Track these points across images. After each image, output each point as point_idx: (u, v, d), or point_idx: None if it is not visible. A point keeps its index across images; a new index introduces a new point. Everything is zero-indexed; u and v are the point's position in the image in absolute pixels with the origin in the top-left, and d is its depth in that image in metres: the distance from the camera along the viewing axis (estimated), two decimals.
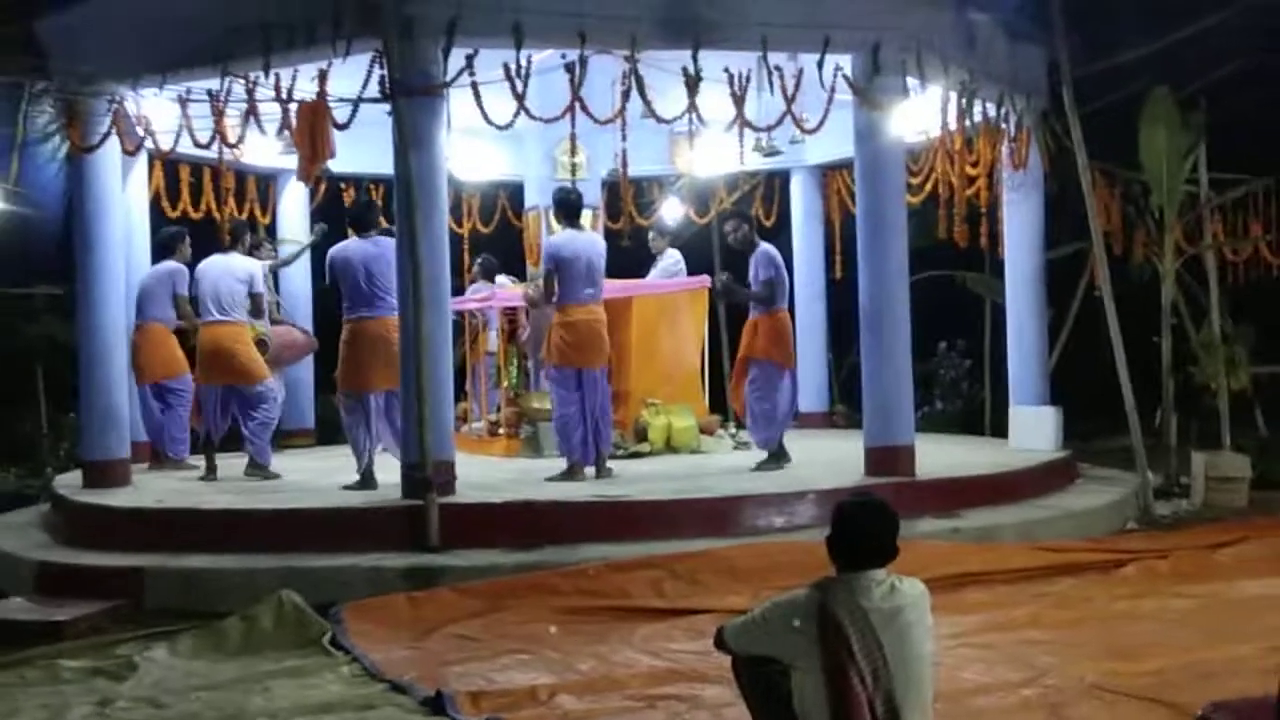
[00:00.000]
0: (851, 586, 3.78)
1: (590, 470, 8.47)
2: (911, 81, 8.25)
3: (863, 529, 3.93)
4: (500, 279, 11.29)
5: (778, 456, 8.80)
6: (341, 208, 11.57)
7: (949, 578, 6.62)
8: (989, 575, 6.92)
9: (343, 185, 11.61)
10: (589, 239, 8.78)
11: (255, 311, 9.43)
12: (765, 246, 8.83)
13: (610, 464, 8.63)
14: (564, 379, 8.50)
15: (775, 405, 8.79)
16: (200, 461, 9.35)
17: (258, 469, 9.08)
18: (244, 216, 10.91)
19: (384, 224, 9.00)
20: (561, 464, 8.53)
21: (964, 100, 8.74)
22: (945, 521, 7.74)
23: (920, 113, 8.63)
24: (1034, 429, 9.87)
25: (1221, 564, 7.44)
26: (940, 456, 8.99)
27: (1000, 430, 10.95)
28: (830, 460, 9.06)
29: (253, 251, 9.90)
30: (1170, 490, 9.84)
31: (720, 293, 9.29)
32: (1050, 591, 6.76)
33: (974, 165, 9.33)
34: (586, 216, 10.56)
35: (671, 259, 10.93)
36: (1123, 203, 10.80)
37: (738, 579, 6.75)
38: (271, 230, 11.90)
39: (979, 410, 12.84)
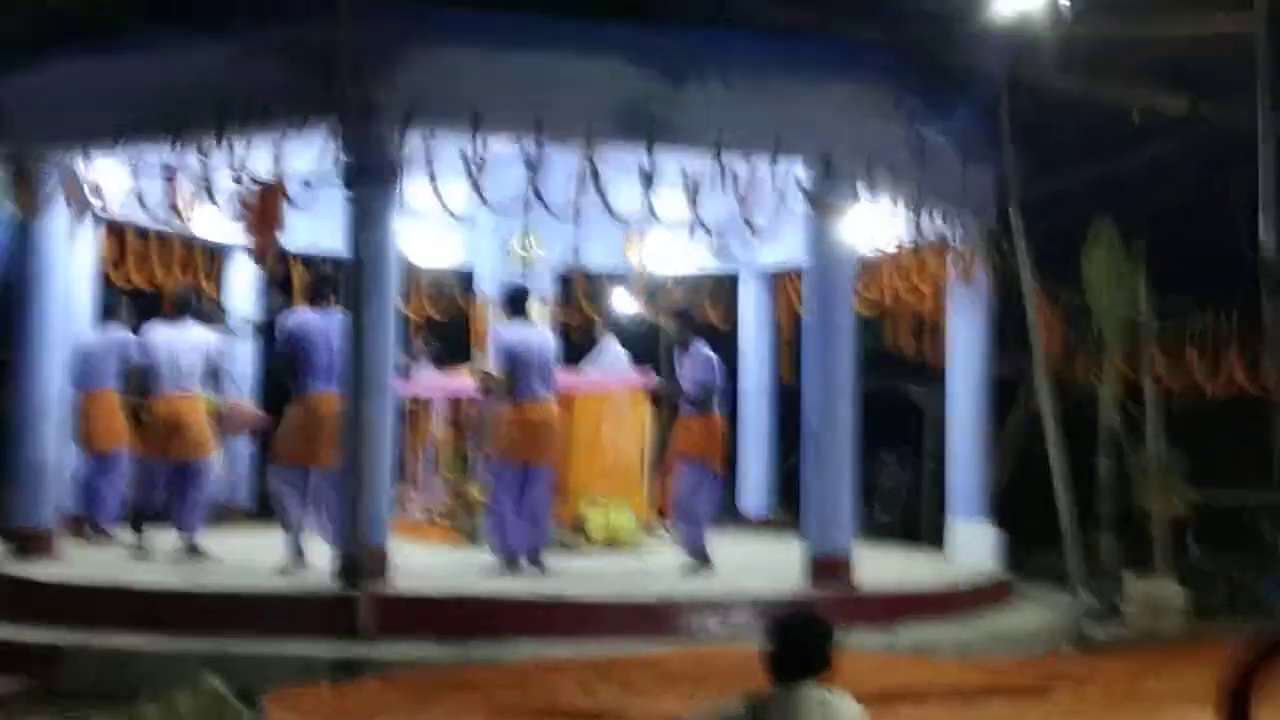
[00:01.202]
0: (783, 700, 3.74)
1: (527, 565, 8.37)
2: (862, 193, 8.37)
3: (797, 642, 3.89)
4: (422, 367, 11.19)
5: (703, 559, 8.74)
6: (289, 282, 11.50)
7: (882, 692, 6.55)
8: (923, 692, 6.86)
9: (292, 260, 11.54)
10: (540, 334, 8.77)
11: (214, 383, 9.27)
12: (703, 348, 8.86)
13: (547, 559, 8.52)
14: (505, 474, 8.42)
15: (702, 506, 8.76)
16: (130, 534, 9.14)
17: (190, 549, 8.86)
18: (194, 286, 10.78)
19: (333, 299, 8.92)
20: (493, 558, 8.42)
21: (914, 214, 8.87)
22: (881, 635, 7.70)
23: (871, 224, 8.75)
24: (972, 544, 9.88)
25: (1153, 690, 7.42)
26: (879, 567, 8.96)
27: (939, 541, 10.96)
28: (769, 566, 9.02)
29: (207, 322, 9.77)
30: (1105, 613, 9.85)
31: (659, 392, 9.29)
32: (983, 714, 6.70)
33: (923, 280, 9.45)
34: (537, 307, 10.62)
35: (609, 351, 10.93)
36: (1065, 324, 10.96)
37: (671, 684, 6.63)
38: (219, 304, 11.77)
39: (919, 521, 12.86)
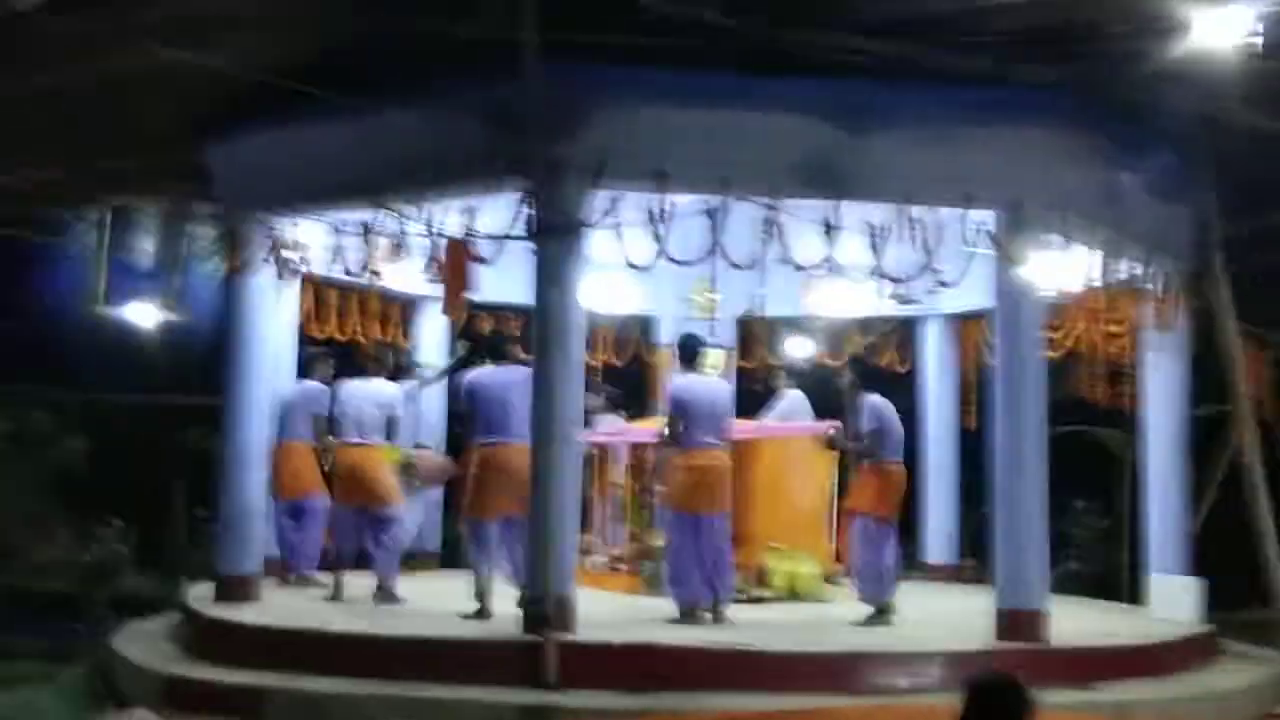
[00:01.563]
0: None
1: (708, 615, 8.36)
2: (1054, 238, 8.17)
3: (993, 705, 3.79)
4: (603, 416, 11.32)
5: (884, 612, 8.59)
6: (479, 335, 11.81)
7: None
8: None
9: (481, 314, 11.85)
10: (711, 383, 8.80)
11: (390, 435, 9.63)
12: (871, 398, 8.79)
13: (729, 610, 8.49)
14: (679, 523, 8.45)
15: (879, 560, 8.62)
16: (328, 579, 9.48)
17: (384, 594, 9.15)
18: (386, 340, 11.17)
19: (519, 354, 9.13)
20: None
21: (1107, 260, 8.61)
22: (1079, 694, 7.43)
23: (1062, 270, 8.53)
24: (1175, 599, 9.48)
25: None
26: (1074, 622, 8.67)
27: (1137, 596, 10.54)
28: (957, 619, 8.81)
29: (397, 374, 10.14)
30: None
31: (828, 443, 9.20)
32: None
33: (1117, 323, 9.16)
34: (719, 356, 10.65)
35: (790, 399, 10.87)
36: (1274, 367, 10.47)
37: None
38: (411, 354, 12.17)
39: (1115, 573, 12.39)
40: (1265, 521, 9.05)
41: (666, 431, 8.67)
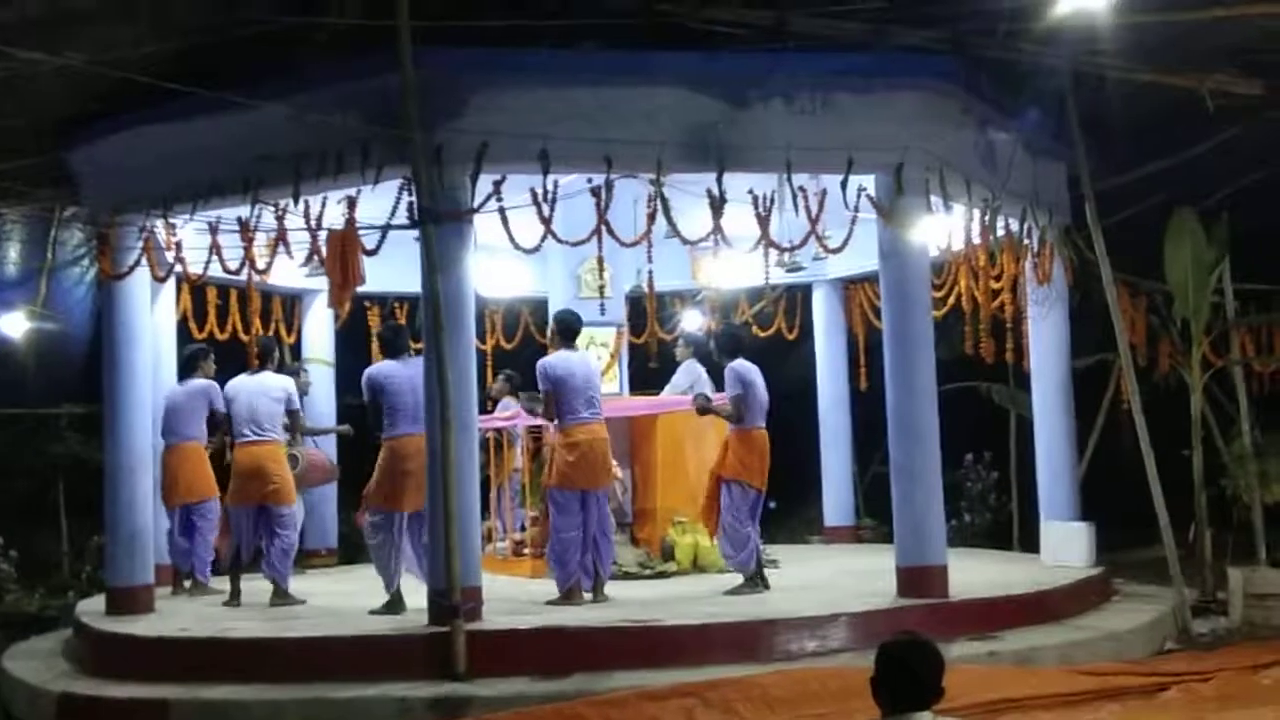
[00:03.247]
0: None
1: (588, 595, 8.36)
2: (934, 199, 8.30)
3: (907, 670, 3.83)
4: (505, 400, 11.27)
5: (753, 580, 8.67)
6: (366, 327, 11.64)
7: (987, 704, 6.47)
8: (1029, 701, 6.75)
9: (367, 304, 11.68)
10: (582, 358, 8.75)
11: (294, 427, 9.42)
12: (735, 363, 8.77)
13: (638, 584, 8.51)
14: (565, 501, 8.40)
15: (746, 526, 8.66)
16: (223, 585, 9.27)
17: (281, 596, 8.97)
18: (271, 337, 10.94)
19: (413, 346, 9.01)
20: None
21: (987, 217, 8.78)
22: (981, 644, 7.60)
23: (943, 229, 8.67)
24: (1067, 544, 9.74)
25: (1265, 686, 7.26)
26: (972, 574, 8.87)
27: (1029, 544, 10.81)
28: (860, 579, 8.95)
29: (281, 370, 9.93)
30: (1207, 607, 9.66)
31: (698, 408, 9.21)
32: (1093, 718, 6.59)
33: (997, 279, 9.35)
34: (610, 333, 10.65)
35: (686, 370, 10.91)
36: (1146, 314, 10.79)
37: (771, 707, 6.59)
38: (296, 350, 11.95)
39: (1007, 523, 12.71)
40: (1150, 464, 9.32)
41: (543, 409, 8.62)
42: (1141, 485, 9.43)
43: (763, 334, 12.45)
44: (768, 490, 8.85)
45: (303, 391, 10.88)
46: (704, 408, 9.02)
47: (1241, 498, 10.40)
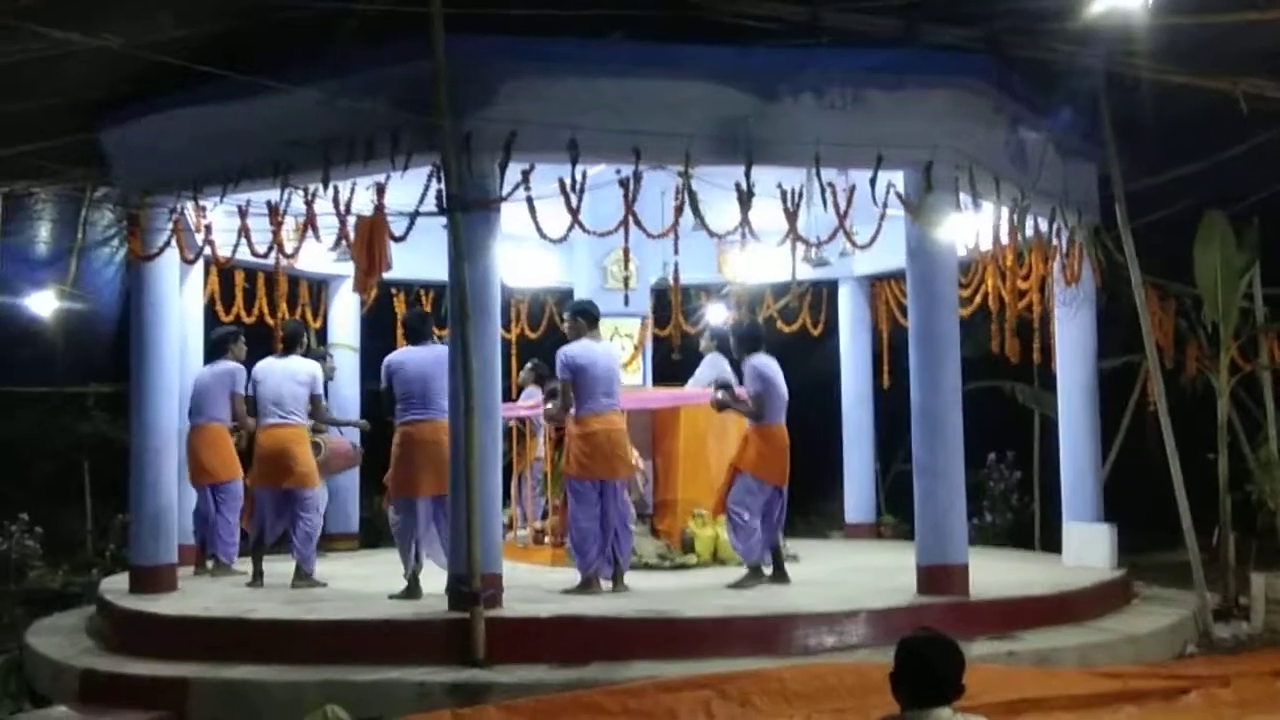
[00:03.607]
0: None
1: (607, 584, 8.38)
2: (963, 197, 8.27)
3: (928, 667, 3.83)
4: (530, 389, 11.29)
5: (756, 573, 8.65)
6: (392, 313, 11.69)
7: (1006, 704, 6.46)
8: (1048, 701, 6.73)
9: (394, 291, 11.73)
10: (604, 348, 8.75)
11: (316, 414, 9.47)
12: (755, 359, 8.75)
13: (658, 575, 8.52)
14: (583, 491, 8.41)
15: (754, 519, 8.64)
16: (245, 566, 9.33)
17: (304, 578, 9.03)
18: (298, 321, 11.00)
19: (437, 333, 9.04)
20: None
21: (1016, 216, 8.74)
22: (1001, 644, 7.58)
23: (971, 227, 8.64)
24: (1089, 546, 9.71)
25: None
26: (993, 573, 8.84)
27: (1051, 545, 10.78)
28: (880, 576, 8.94)
29: (308, 354, 9.98)
30: (1229, 612, 9.60)
31: (716, 405, 9.20)
32: None
33: (1025, 279, 9.31)
34: (635, 325, 10.65)
35: (710, 363, 10.89)
36: (1175, 317, 10.74)
37: (789, 701, 6.60)
38: (322, 335, 12.00)
39: (1029, 523, 12.66)
40: (1175, 467, 9.27)
41: (559, 398, 8.62)
42: (1165, 488, 9.39)
43: (788, 329, 12.44)
44: (793, 479, 8.84)
45: (328, 377, 10.95)
46: (723, 403, 9.00)
47: (1266, 503, 10.34)
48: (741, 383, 9.04)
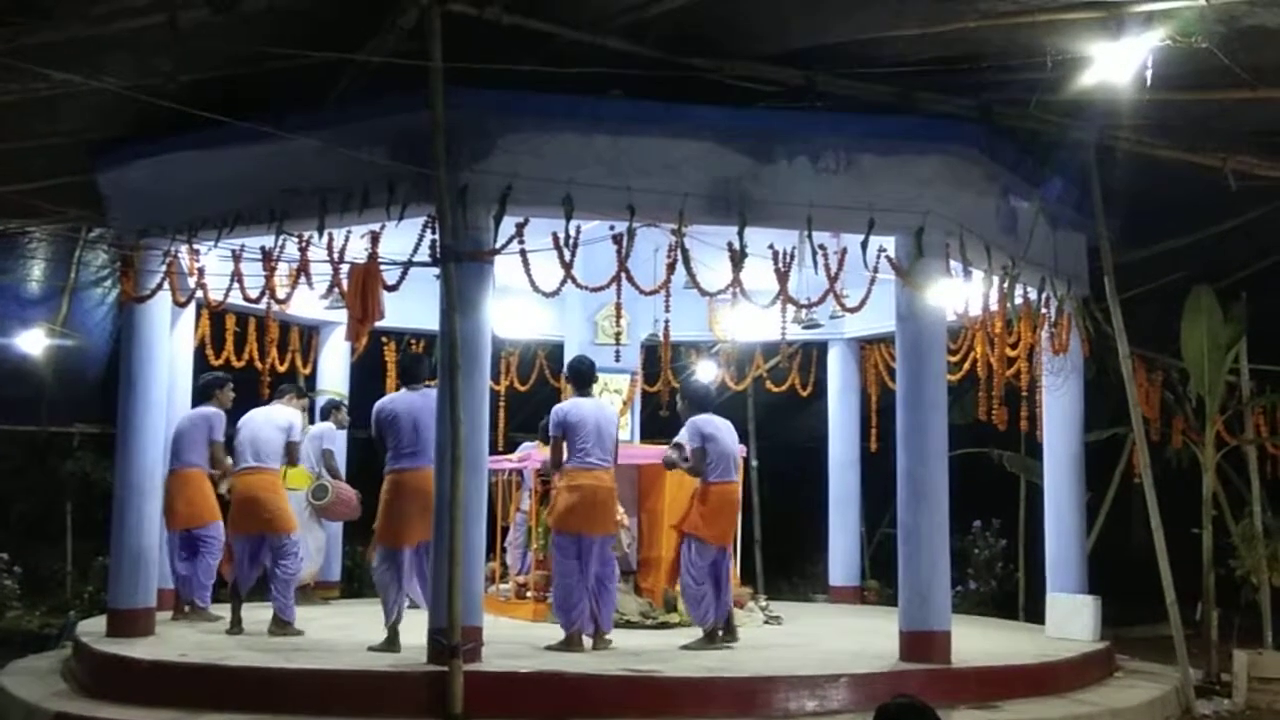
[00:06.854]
0: None
1: (589, 641, 8.33)
2: (954, 264, 8.32)
3: None
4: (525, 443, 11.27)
5: (711, 636, 8.60)
6: (382, 361, 11.69)
7: None
8: None
9: (384, 340, 11.73)
10: (596, 404, 8.75)
11: (290, 460, 9.44)
12: (697, 417, 8.73)
13: (640, 633, 8.45)
14: (564, 545, 8.37)
15: (702, 583, 8.59)
16: (223, 612, 9.25)
17: (282, 626, 8.94)
18: (285, 366, 10.98)
19: (429, 380, 9.04)
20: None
21: (1005, 284, 8.80)
22: (982, 713, 7.53)
23: (961, 294, 8.70)
24: (1072, 617, 9.67)
25: None
26: (975, 641, 8.81)
27: (1035, 614, 10.74)
28: (862, 640, 8.89)
29: (328, 407, 9.97)
30: (1211, 688, 9.55)
31: (665, 464, 9.19)
32: None
33: (1014, 347, 9.35)
34: (624, 380, 10.67)
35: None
36: (1162, 390, 10.78)
37: None
38: (311, 381, 11.99)
39: (1013, 592, 12.63)
40: (1160, 540, 9.27)
41: (549, 454, 8.62)
42: (1150, 561, 9.37)
43: (777, 389, 12.45)
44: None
45: (340, 426, 10.95)
46: (670, 461, 8.99)
47: (1250, 579, 10.32)
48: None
